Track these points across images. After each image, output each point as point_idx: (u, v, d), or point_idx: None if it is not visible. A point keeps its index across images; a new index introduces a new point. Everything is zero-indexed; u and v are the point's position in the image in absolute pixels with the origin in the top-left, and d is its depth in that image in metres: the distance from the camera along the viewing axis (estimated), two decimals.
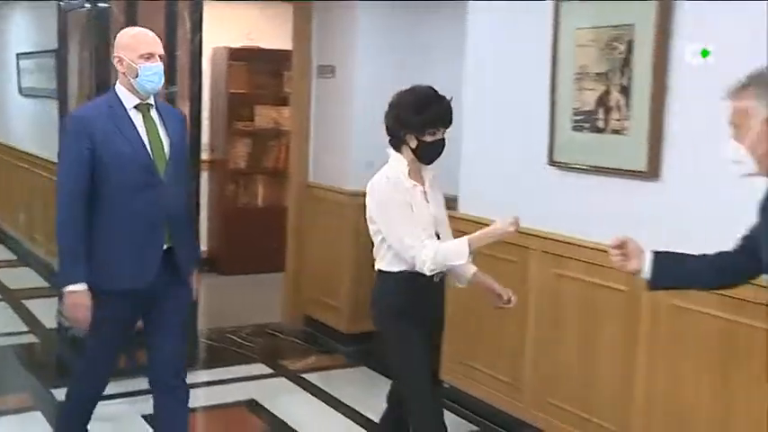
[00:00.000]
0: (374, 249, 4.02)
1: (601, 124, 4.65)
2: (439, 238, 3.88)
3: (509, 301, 4.11)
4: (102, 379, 4.24)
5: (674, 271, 3.21)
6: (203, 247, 7.79)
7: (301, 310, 7.50)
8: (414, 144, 3.81)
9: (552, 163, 4.95)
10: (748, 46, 3.92)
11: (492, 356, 5.46)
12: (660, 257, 3.18)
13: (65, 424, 4.37)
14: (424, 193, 3.93)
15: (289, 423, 5.40)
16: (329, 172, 7.22)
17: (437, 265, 3.69)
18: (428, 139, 3.79)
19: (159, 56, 3.99)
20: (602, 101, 4.64)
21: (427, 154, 3.85)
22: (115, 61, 4.01)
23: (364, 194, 7.26)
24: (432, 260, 3.66)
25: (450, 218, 5.71)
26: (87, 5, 5.98)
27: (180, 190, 4.16)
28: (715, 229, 3.84)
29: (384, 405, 4.28)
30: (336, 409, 5.69)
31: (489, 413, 5.50)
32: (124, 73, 3.96)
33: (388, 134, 3.90)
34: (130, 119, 3.98)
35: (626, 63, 4.51)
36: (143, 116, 4.01)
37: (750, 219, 3.24)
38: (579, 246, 4.76)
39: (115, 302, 3.95)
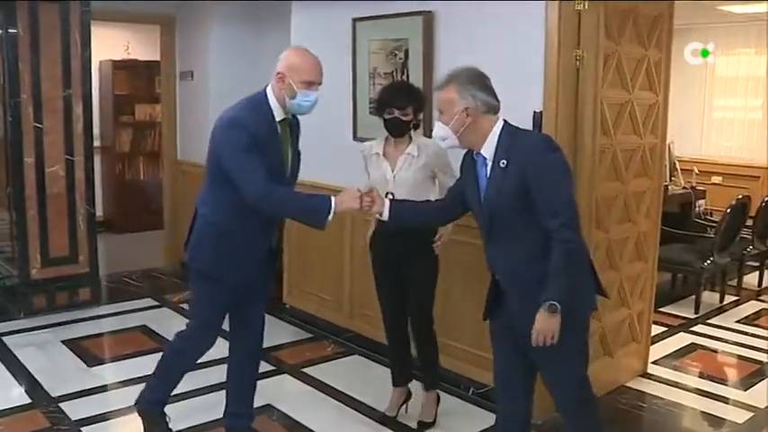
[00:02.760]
0: None
1: None
2: (394, 198, 3.56)
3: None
4: (211, 340, 3.63)
5: (405, 213, 3.33)
6: (99, 213, 7.57)
7: (177, 257, 7.27)
8: (383, 122, 3.77)
9: (356, 138, 5.03)
10: (484, 51, 4.14)
11: (320, 283, 5.56)
12: (394, 203, 3.32)
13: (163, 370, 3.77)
14: (386, 161, 3.81)
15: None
16: (192, 151, 7.07)
17: None
18: (386, 116, 3.73)
19: (319, 84, 3.36)
20: None
21: (388, 128, 3.77)
22: (276, 77, 3.31)
23: None
24: None
25: None
26: (0, 31, 5.77)
27: None
28: None
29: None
30: None
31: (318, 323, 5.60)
32: (281, 89, 3.29)
33: None
34: (278, 132, 3.33)
35: (404, 65, 4.62)
36: (283, 129, 3.37)
37: None
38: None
39: (229, 287, 3.45)
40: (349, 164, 5.12)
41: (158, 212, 7.77)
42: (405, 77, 4.60)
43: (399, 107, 3.70)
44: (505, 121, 2.94)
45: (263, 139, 3.22)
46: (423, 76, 4.48)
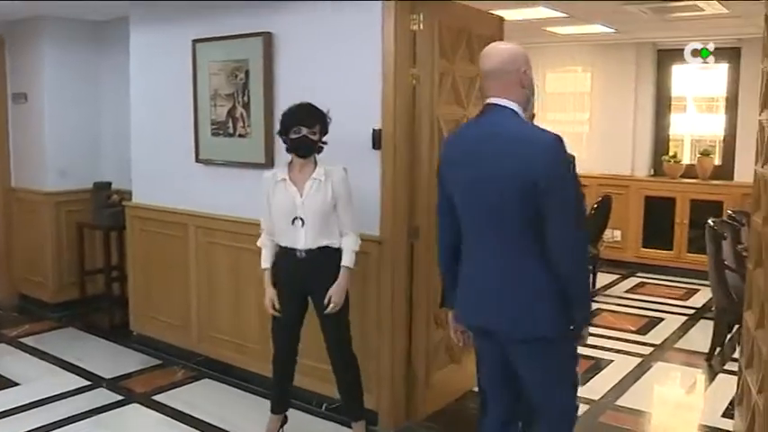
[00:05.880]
0: None
1: (231, 131, 4.73)
2: (303, 223, 3.63)
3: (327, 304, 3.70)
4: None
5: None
6: None
7: (14, 289, 6.96)
8: (286, 144, 3.66)
9: (198, 160, 4.97)
10: (324, 71, 4.20)
11: (167, 307, 5.41)
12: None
13: None
14: (293, 186, 3.67)
15: (11, 378, 5.04)
16: (28, 178, 6.72)
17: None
18: (293, 136, 3.61)
19: None
20: (231, 114, 4.71)
21: (296, 147, 3.64)
22: (521, 73, 2.63)
23: (58, 194, 6.94)
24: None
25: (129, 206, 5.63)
26: None
27: None
28: None
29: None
30: (48, 361, 5.38)
31: (167, 349, 5.44)
32: (525, 86, 2.65)
33: None
34: None
35: (245, 86, 4.60)
36: None
37: None
38: (224, 220, 4.82)
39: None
40: (191, 185, 5.07)
41: None
42: (246, 98, 4.58)
43: (308, 125, 3.62)
44: None
45: None
46: (263, 96, 4.48)
